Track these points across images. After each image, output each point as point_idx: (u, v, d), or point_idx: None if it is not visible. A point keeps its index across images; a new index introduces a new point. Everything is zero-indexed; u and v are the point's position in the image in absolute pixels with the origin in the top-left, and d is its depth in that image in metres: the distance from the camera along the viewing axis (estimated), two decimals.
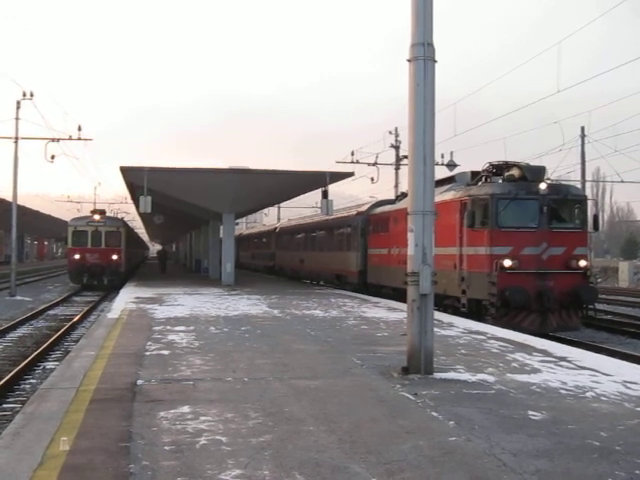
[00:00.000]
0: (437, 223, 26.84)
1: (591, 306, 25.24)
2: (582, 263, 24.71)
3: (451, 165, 47.92)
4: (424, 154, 12.52)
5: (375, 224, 37.95)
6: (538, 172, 25.71)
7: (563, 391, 11.15)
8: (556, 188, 25.77)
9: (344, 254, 42.87)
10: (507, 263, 23.96)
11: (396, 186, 59.59)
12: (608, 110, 51.79)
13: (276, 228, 68.80)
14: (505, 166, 26.60)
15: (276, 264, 64.42)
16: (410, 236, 12.64)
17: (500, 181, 26.23)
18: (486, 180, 26.90)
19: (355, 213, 42.40)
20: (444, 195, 27.78)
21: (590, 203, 26.73)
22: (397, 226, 32.17)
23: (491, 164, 26.96)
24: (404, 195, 33.08)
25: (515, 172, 25.67)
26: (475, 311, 25.21)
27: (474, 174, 28.03)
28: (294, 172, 40.94)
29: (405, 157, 49.20)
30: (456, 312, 25.68)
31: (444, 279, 25.91)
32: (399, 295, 28.17)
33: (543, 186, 24.63)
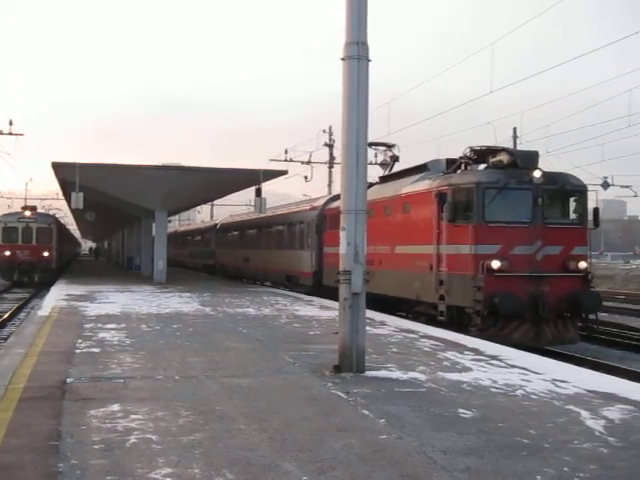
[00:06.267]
0: (409, 217, 25.25)
1: (592, 316, 22.09)
2: (582, 265, 21.64)
3: (384, 164, 48.02)
4: (357, 153, 12.54)
5: (332, 220, 31.73)
6: (531, 158, 22.41)
7: (493, 389, 11.26)
8: (552, 177, 22.19)
9: (296, 253, 39.50)
10: (495, 264, 20.74)
11: (329, 185, 59.88)
12: (540, 112, 52.34)
13: (217, 224, 65.88)
14: (490, 151, 23.38)
15: (217, 263, 61.75)
16: (342, 235, 12.67)
17: (484, 168, 23.32)
18: (466, 168, 23.82)
19: (309, 208, 39.27)
20: (416, 185, 25.04)
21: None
22: None
23: (472, 149, 23.58)
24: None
25: (503, 157, 22.35)
26: (456, 320, 21.84)
27: (449, 162, 24.82)
28: (227, 169, 40.79)
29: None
30: (432, 321, 22.53)
31: (417, 282, 23.91)
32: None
33: (537, 174, 21.39)
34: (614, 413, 9.68)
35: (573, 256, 21.62)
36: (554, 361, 15.14)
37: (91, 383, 11.23)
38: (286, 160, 55.91)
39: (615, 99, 37.54)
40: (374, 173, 34.60)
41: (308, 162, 56.82)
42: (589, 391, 11.20)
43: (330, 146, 59.18)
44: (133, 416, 9.03)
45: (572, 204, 22.73)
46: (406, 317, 24.77)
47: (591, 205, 24.02)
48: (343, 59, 12.73)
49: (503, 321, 20.57)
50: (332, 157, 58.96)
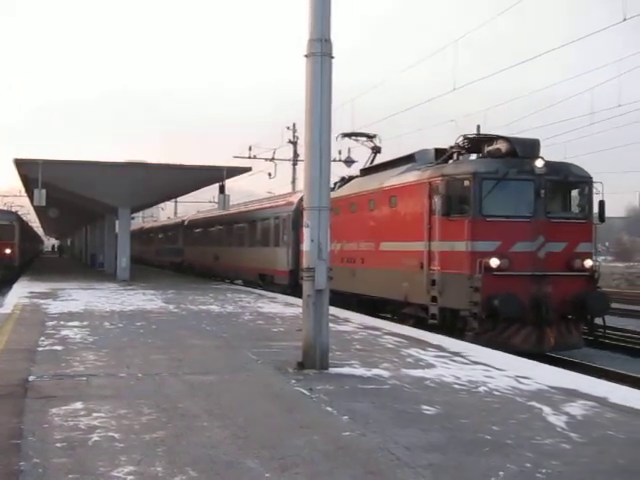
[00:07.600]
0: (396, 212, 24.01)
1: (599, 320, 20.59)
2: (588, 263, 20.15)
3: (349, 161, 47.97)
4: (320, 150, 12.54)
5: None
6: (532, 146, 20.68)
7: (456, 386, 11.30)
8: (555, 166, 20.45)
9: (271, 250, 37.75)
10: (494, 262, 19.13)
11: (293, 181, 59.86)
12: (503, 109, 52.64)
13: (184, 221, 64.56)
14: (485, 139, 21.70)
15: (184, 260, 60.44)
16: (306, 232, 12.67)
17: (480, 157, 21.71)
18: (458, 158, 22.12)
19: (284, 203, 37.61)
20: (404, 177, 23.36)
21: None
22: (338, 217, 25.45)
23: (466, 137, 21.98)
24: (344, 181, 30.38)
25: (501, 146, 20.69)
26: (450, 324, 20.24)
27: (439, 152, 23.13)
28: (191, 167, 40.54)
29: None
30: (421, 324, 20.92)
31: (406, 282, 22.27)
32: (339, 299, 23.82)
33: (540, 163, 19.72)
34: (576, 409, 9.74)
35: (578, 253, 20.16)
36: (517, 358, 15.19)
37: (53, 381, 11.15)
38: (250, 157, 55.86)
39: (577, 97, 37.68)
40: (338, 171, 34.47)
41: (272, 159, 56.84)
42: (552, 387, 11.27)
43: (294, 143, 59.11)
44: (96, 414, 8.97)
45: (576, 197, 21.20)
46: (392, 319, 23.41)
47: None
48: (307, 56, 12.70)
49: (502, 325, 19.06)
50: (296, 154, 58.87)
